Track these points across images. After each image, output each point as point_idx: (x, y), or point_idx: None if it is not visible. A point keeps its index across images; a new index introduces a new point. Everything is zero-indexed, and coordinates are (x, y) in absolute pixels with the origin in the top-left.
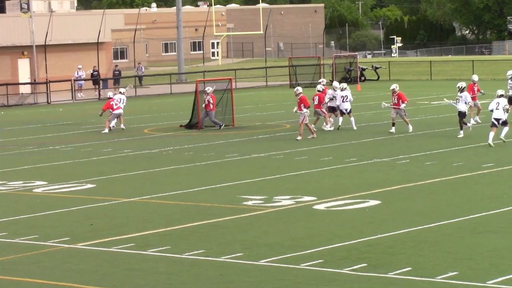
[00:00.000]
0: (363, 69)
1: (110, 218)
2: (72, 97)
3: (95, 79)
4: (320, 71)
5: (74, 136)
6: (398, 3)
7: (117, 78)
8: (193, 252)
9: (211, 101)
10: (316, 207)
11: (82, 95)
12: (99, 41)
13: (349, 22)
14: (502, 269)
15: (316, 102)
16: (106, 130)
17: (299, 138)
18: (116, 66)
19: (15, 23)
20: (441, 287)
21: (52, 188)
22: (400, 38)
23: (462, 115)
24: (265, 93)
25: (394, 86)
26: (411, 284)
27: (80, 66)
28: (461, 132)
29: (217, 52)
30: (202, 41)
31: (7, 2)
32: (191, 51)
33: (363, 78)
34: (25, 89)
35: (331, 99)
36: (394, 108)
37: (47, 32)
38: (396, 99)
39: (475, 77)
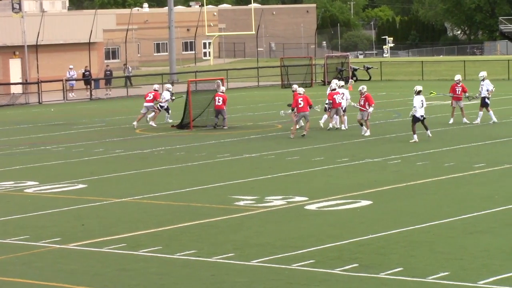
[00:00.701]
0: (355, 69)
1: (102, 218)
2: (64, 97)
3: (87, 79)
4: (312, 71)
5: (65, 136)
6: (390, 4)
7: (108, 78)
8: (184, 252)
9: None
10: (307, 207)
11: (73, 95)
12: (90, 41)
13: (341, 22)
14: (493, 269)
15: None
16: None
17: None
18: (108, 66)
19: (6, 23)
20: (433, 287)
21: (43, 188)
22: (391, 38)
23: (416, 119)
24: (257, 93)
25: (361, 87)
26: (402, 284)
27: (71, 66)
28: (415, 136)
29: (209, 52)
30: (194, 41)
31: None
32: (183, 51)
33: (354, 78)
34: (16, 89)
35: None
36: (360, 110)
37: (38, 32)
38: (363, 100)
39: (457, 77)
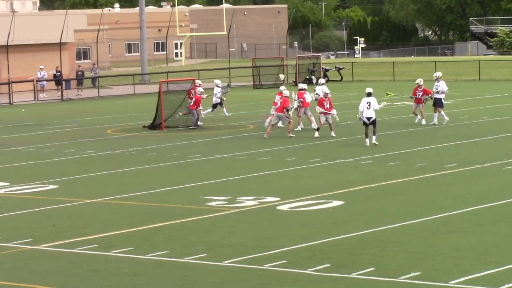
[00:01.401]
0: (327, 70)
1: (73, 219)
2: (35, 98)
3: (58, 79)
4: (283, 72)
5: (36, 137)
6: (361, 4)
7: (80, 79)
8: (156, 253)
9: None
10: (279, 207)
11: (44, 96)
12: (61, 41)
13: (312, 23)
14: (464, 269)
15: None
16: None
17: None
18: (79, 66)
19: None
20: (404, 287)
21: (14, 189)
22: (363, 39)
23: (364, 123)
24: (229, 93)
25: (327, 91)
26: (374, 284)
27: (42, 67)
28: (367, 140)
29: (181, 52)
30: (166, 42)
31: None
32: (154, 51)
33: (326, 78)
34: None
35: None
36: (324, 113)
37: (9, 32)
38: (328, 103)
39: (420, 81)
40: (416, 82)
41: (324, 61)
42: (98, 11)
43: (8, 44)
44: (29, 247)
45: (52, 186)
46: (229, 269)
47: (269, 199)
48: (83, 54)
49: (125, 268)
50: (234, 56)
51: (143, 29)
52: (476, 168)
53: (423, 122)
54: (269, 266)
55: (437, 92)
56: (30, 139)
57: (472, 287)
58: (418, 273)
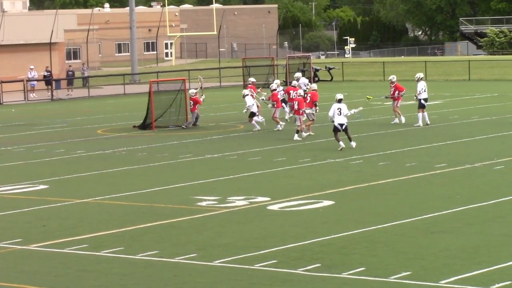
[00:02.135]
0: (317, 70)
1: (63, 219)
2: (25, 98)
3: (48, 79)
4: (273, 72)
5: (26, 137)
6: (351, 4)
7: (70, 79)
8: (146, 253)
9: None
10: (270, 207)
11: (34, 96)
12: (51, 41)
13: (302, 23)
14: (454, 269)
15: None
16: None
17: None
18: (70, 66)
19: None
20: (394, 287)
21: (4, 189)
22: (353, 39)
23: (335, 129)
24: (219, 93)
25: (314, 85)
26: (364, 284)
27: (32, 67)
28: (341, 143)
29: (171, 52)
30: (156, 42)
31: None
32: (144, 51)
33: (316, 78)
34: None
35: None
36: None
37: None
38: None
39: (392, 77)
40: (391, 79)
41: (314, 61)
42: (88, 11)
43: None
44: (19, 247)
45: (42, 186)
46: (220, 269)
47: (260, 199)
48: (73, 54)
49: (115, 268)
50: (224, 56)
51: (133, 29)
52: (466, 168)
53: (401, 121)
54: (259, 266)
55: (419, 94)
56: (20, 139)
57: (462, 286)
58: (409, 272)
